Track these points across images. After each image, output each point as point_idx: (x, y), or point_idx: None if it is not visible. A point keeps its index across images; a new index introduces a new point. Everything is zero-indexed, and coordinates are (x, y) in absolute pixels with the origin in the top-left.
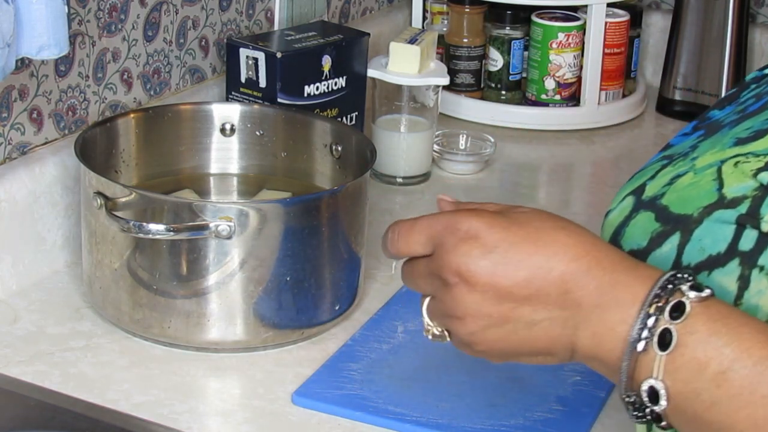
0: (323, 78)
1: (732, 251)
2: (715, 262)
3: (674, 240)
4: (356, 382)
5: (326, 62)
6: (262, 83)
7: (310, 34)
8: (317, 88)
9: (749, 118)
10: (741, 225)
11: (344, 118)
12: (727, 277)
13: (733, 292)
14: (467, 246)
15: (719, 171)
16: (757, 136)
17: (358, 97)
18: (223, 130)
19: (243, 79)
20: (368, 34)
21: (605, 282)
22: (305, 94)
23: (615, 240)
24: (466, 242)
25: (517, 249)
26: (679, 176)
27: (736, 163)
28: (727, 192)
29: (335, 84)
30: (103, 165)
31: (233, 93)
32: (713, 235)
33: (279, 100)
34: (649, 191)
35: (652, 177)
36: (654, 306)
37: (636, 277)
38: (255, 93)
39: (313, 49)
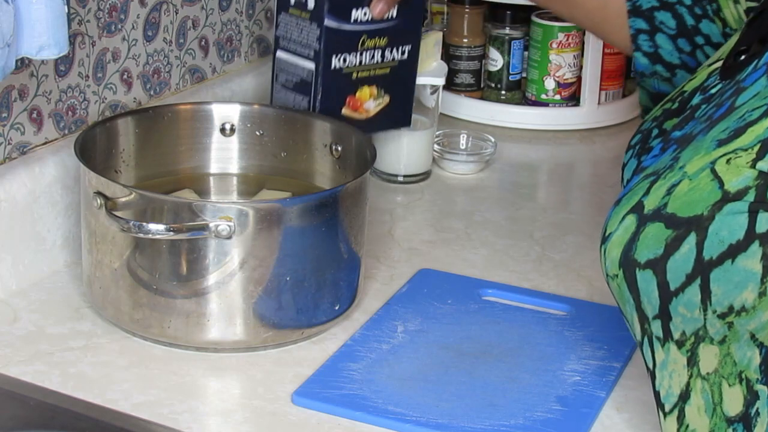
0: None
1: (751, 235)
2: (737, 249)
3: (691, 240)
4: (356, 382)
5: None
6: (310, 5)
7: None
8: (365, 14)
9: (720, 121)
10: (754, 212)
11: (395, 50)
12: (750, 259)
13: (759, 273)
14: None
15: (713, 171)
16: (737, 134)
17: (411, 30)
18: (223, 130)
19: (292, 0)
20: None
21: None
22: (352, 19)
23: (627, 256)
24: None
25: None
26: (674, 185)
27: (727, 161)
28: (729, 187)
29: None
30: (103, 165)
31: (282, 13)
32: (729, 227)
33: (326, 23)
34: (649, 205)
35: (646, 193)
36: None
37: None
38: (303, 14)
39: None
